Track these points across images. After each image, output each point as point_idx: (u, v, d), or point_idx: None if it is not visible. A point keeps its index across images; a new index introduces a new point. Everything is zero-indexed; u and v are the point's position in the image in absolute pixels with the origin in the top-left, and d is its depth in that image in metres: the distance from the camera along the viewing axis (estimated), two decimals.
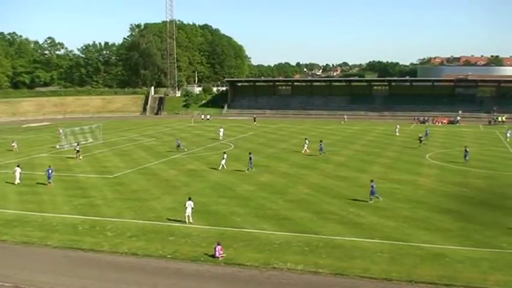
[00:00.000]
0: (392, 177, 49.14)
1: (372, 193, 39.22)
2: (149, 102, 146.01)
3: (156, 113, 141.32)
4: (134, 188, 45.11)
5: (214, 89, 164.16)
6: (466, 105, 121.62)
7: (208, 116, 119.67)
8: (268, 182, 47.09)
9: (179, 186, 45.78)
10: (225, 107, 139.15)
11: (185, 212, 33.82)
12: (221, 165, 52.89)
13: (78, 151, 61.53)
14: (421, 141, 71.12)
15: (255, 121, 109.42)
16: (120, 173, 52.20)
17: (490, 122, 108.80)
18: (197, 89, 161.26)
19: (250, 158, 52.27)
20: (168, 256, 27.98)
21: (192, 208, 34.01)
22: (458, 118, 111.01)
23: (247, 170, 51.67)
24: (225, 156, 54.10)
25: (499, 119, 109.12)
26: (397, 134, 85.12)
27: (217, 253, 27.26)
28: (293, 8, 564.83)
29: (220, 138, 78.78)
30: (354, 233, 31.61)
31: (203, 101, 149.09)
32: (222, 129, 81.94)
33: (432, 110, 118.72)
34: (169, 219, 34.80)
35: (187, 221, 33.59)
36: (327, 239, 30.53)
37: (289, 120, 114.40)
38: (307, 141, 65.67)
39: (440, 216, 35.37)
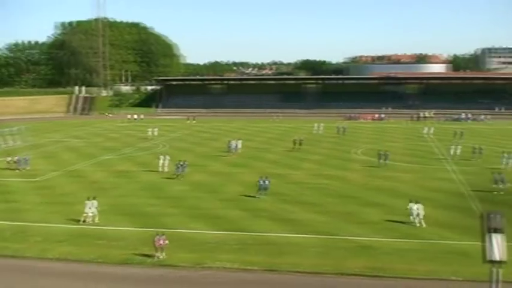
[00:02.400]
0: (324, 173, 50.20)
1: (260, 188, 40.32)
2: (77, 102, 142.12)
3: (85, 113, 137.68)
4: (61, 191, 43.88)
5: (148, 88, 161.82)
6: (393, 102, 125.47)
7: (135, 116, 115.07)
8: (201, 181, 47.08)
9: (109, 188, 44.93)
10: (157, 106, 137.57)
11: (86, 212, 33.38)
12: (161, 167, 51.45)
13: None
14: (297, 143, 65.44)
15: (194, 120, 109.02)
16: (45, 176, 50.67)
17: (414, 117, 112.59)
18: (129, 88, 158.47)
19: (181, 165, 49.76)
20: (99, 260, 27.47)
21: (97, 208, 33.69)
22: (382, 115, 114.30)
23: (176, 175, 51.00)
24: (167, 157, 52.55)
25: (424, 114, 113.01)
26: (319, 131, 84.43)
27: (161, 242, 26.82)
28: (226, 7, 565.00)
29: (149, 137, 77.54)
30: (285, 229, 32.15)
31: (135, 101, 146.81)
32: (155, 129, 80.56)
33: (361, 107, 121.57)
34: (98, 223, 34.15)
35: (87, 220, 33.30)
36: (260, 236, 30.93)
37: (223, 119, 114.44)
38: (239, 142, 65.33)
39: (368, 209, 36.53)
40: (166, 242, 27.13)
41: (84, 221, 33.46)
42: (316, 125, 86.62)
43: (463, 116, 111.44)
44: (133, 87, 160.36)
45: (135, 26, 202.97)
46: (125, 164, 57.15)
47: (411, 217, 32.88)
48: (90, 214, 33.62)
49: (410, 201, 33.52)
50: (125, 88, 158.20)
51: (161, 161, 51.47)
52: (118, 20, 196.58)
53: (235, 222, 33.81)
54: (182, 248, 28.73)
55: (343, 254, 27.68)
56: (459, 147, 54.10)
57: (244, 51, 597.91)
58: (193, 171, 50.98)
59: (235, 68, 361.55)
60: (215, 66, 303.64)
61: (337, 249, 28.44)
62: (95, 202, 33.82)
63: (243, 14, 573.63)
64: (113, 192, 42.95)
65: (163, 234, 27.33)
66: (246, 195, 41.20)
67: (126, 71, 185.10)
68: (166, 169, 50.69)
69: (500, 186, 40.83)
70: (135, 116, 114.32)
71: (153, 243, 27.13)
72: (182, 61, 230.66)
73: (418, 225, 32.41)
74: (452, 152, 53.57)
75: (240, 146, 63.31)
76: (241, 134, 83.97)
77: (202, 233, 31.57)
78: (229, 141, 63.86)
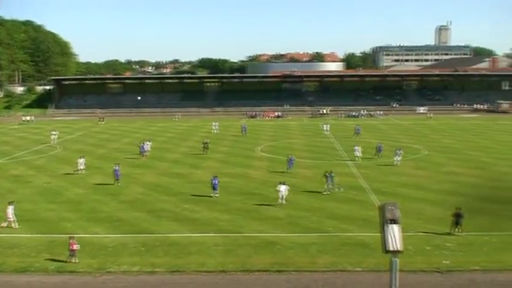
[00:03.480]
0: (226, 171, 50.28)
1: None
2: None
3: None
4: None
5: (40, 88, 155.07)
6: (292, 100, 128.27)
7: (28, 118, 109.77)
8: (101, 183, 45.70)
9: (2, 193, 42.55)
10: (52, 107, 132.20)
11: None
12: (79, 170, 49.91)
13: None
14: (207, 147, 62.21)
15: (103, 120, 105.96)
16: None
17: (314, 114, 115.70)
18: (20, 89, 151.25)
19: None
20: None
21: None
22: (279, 114, 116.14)
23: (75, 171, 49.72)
24: (81, 161, 50.65)
25: (322, 111, 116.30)
26: (215, 131, 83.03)
27: (74, 246, 26.15)
28: (122, 4, 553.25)
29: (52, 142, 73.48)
30: (189, 229, 31.91)
31: (27, 102, 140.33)
32: (55, 132, 76.24)
33: (261, 105, 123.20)
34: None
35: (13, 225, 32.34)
36: (163, 237, 30.47)
37: (121, 119, 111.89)
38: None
39: (270, 206, 36.91)
40: (77, 246, 26.35)
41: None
42: (214, 124, 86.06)
43: (363, 112, 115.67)
44: (26, 88, 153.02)
45: (27, 24, 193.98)
46: (19, 168, 54.39)
47: (279, 199, 36.60)
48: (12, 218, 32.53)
49: (279, 183, 37.39)
50: (18, 89, 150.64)
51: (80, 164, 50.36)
52: (9, 18, 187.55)
53: (137, 225, 33.11)
54: (83, 253, 27.51)
55: (247, 251, 27.83)
56: (358, 148, 54.99)
57: (143, 49, 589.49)
58: (92, 174, 49.55)
59: (133, 66, 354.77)
60: (113, 65, 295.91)
61: (242, 247, 28.56)
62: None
63: (142, 11, 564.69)
64: (7, 198, 40.61)
65: (73, 238, 26.48)
66: (146, 196, 40.48)
67: (18, 70, 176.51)
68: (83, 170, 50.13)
69: (330, 186, 41.08)
70: (28, 118, 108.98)
71: (68, 247, 26.30)
72: (77, 60, 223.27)
73: (282, 202, 36.52)
74: (357, 153, 54.18)
75: (148, 148, 61.62)
76: (143, 134, 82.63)
77: (103, 237, 30.62)
78: (140, 143, 62.14)
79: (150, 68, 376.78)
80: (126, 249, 28.53)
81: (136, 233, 31.24)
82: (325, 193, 40.22)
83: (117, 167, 45.46)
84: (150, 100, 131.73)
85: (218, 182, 40.29)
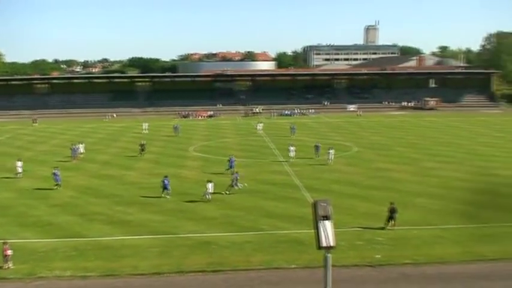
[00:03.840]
0: (159, 171, 49.69)
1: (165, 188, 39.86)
2: None
3: None
4: None
5: None
6: (225, 99, 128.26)
7: None
8: (29, 187, 44.24)
9: None
10: None
11: None
12: (18, 173, 48.06)
13: None
14: (143, 149, 60.13)
15: (36, 122, 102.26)
16: None
17: (246, 113, 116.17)
18: None
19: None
20: None
21: None
22: (212, 113, 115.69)
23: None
24: (19, 164, 48.74)
25: (255, 110, 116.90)
26: (145, 132, 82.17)
27: (8, 251, 25.39)
28: (48, 2, 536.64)
29: None
30: (122, 232, 31.42)
31: None
32: None
33: (193, 105, 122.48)
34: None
35: None
36: (95, 240, 29.87)
37: (49, 120, 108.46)
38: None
39: (205, 205, 36.89)
40: (9, 252, 25.63)
41: None
42: (144, 124, 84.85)
43: (297, 111, 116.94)
44: None
45: None
46: None
47: (206, 196, 37.91)
48: None
49: (208, 181, 38.32)
50: None
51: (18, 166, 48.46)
52: None
53: (69, 229, 32.28)
54: (14, 258, 26.51)
55: (182, 252, 27.68)
56: (293, 148, 55.12)
57: (71, 49, 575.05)
58: (20, 178, 47.96)
59: (63, 66, 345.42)
60: (39, 65, 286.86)
61: (177, 248, 28.37)
62: None
63: (69, 10, 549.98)
64: None
65: (6, 243, 25.66)
66: (77, 200, 39.52)
67: None
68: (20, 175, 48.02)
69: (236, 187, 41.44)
70: None
71: (2, 253, 25.41)
72: (2, 60, 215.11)
73: (208, 197, 37.85)
74: (291, 154, 53.86)
75: (82, 150, 60.21)
76: (72, 135, 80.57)
77: (34, 242, 29.69)
78: (72, 145, 59.98)
79: (78, 67, 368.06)
80: (57, 254, 27.80)
81: (68, 237, 30.47)
82: (227, 193, 40.38)
83: (56, 171, 43.78)
84: (78, 100, 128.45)
85: (169, 181, 40.02)
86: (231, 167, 48.23)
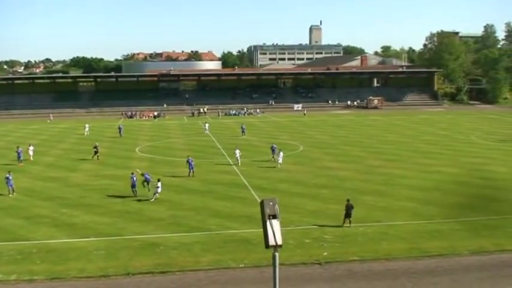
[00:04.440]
0: (105, 173, 49.12)
1: (133, 186, 39.69)
2: None
3: None
4: None
5: None
6: (171, 99, 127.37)
7: None
8: None
9: None
10: None
11: None
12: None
13: None
14: (96, 152, 57.23)
15: None
16: None
17: (193, 113, 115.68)
18: None
19: None
20: None
21: None
22: (157, 113, 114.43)
23: None
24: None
25: (202, 110, 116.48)
26: (86, 133, 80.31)
27: None
28: None
29: None
30: (68, 234, 30.91)
31: None
32: None
33: (138, 105, 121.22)
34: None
35: None
36: (40, 243, 29.25)
37: None
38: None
39: (152, 206, 36.65)
40: None
41: None
42: (86, 125, 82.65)
43: (246, 110, 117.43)
44: None
45: None
46: None
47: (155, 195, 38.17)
48: None
49: (158, 180, 38.70)
50: None
51: None
52: None
53: (13, 232, 31.48)
54: None
55: (129, 254, 27.42)
56: (239, 150, 53.13)
57: (13, 49, 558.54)
58: None
59: (4, 67, 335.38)
60: None
61: (123, 250, 28.09)
62: None
63: (10, 9, 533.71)
64: None
65: None
66: (21, 202, 38.55)
67: None
68: None
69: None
70: None
71: None
72: None
73: (154, 199, 37.97)
74: (237, 156, 52.37)
75: (31, 152, 57.36)
76: (15, 137, 78.52)
77: None
78: (17, 147, 56.56)
79: (20, 68, 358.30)
80: (1, 258, 27.10)
81: (11, 241, 29.72)
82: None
83: (8, 175, 41.38)
84: (20, 101, 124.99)
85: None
86: (191, 168, 47.02)
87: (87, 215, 34.99)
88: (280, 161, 50.93)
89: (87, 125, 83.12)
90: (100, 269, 25.40)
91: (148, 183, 39.99)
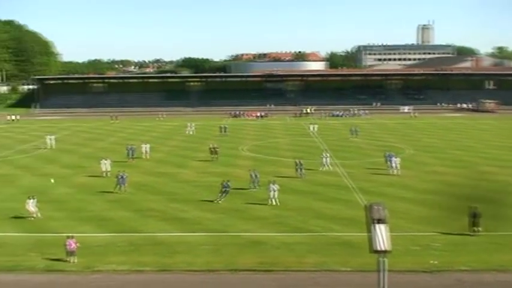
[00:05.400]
0: (212, 170, 50.33)
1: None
2: None
3: None
4: None
5: (25, 87, 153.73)
6: (275, 99, 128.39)
7: (13, 117, 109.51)
8: (87, 183, 45.52)
9: None
10: (35, 106, 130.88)
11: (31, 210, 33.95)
12: (103, 172, 48.08)
13: None
14: (213, 152, 57.06)
15: (116, 119, 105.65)
16: None
17: (298, 114, 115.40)
18: (4, 88, 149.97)
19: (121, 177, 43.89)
20: None
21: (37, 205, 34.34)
22: (262, 114, 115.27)
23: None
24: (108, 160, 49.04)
25: (306, 111, 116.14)
26: (192, 132, 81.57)
27: (73, 245, 26.12)
28: (105, 3, 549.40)
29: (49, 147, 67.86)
30: (175, 228, 31.96)
31: (11, 101, 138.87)
32: (50, 137, 69.46)
33: (244, 105, 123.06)
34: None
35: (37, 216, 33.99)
36: (150, 236, 30.49)
37: (104, 119, 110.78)
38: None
39: (257, 205, 37.03)
40: (78, 244, 26.32)
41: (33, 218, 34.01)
42: (189, 124, 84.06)
43: (351, 111, 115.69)
44: (9, 87, 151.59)
45: (9, 23, 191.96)
46: (4, 167, 53.98)
47: (270, 198, 37.15)
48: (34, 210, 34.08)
49: (270, 183, 37.67)
50: (1, 88, 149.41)
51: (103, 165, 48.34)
52: None
53: (124, 224, 33.07)
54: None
55: (234, 251, 27.92)
56: (327, 154, 51.95)
57: (126, 49, 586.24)
58: (77, 173, 49.49)
59: (116, 66, 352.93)
60: (95, 65, 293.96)
61: (228, 246, 28.63)
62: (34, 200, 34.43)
63: (125, 11, 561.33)
64: None
65: (73, 237, 26.40)
66: (133, 196, 40.38)
67: (1, 70, 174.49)
68: (109, 174, 47.55)
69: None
70: (13, 117, 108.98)
71: (65, 247, 26.18)
72: (60, 59, 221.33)
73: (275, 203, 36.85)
74: (324, 161, 50.44)
75: (148, 150, 58.81)
76: (127, 133, 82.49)
77: (90, 236, 30.46)
78: (130, 145, 58.55)
79: (133, 67, 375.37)
80: (114, 248, 28.50)
81: (123, 232, 31.19)
82: (252, 189, 41.49)
83: (123, 174, 42.18)
84: (132, 99, 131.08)
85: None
86: (390, 163, 47.62)
87: (195, 210, 36.02)
88: (397, 166, 47.88)
89: (189, 124, 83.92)
90: (206, 264, 26.07)
91: (227, 193, 38.53)
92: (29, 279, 24.85)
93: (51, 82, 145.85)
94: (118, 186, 41.62)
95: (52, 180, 33.19)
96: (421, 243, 28.84)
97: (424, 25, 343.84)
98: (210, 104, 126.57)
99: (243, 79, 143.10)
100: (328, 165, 50.41)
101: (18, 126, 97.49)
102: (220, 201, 37.91)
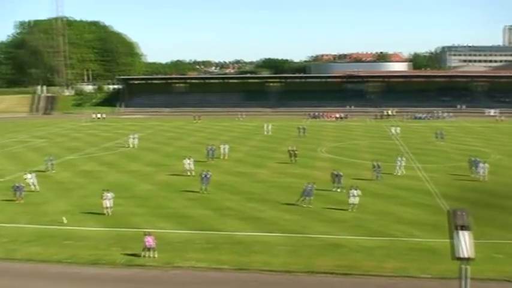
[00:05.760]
0: (290, 171, 50.36)
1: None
2: (39, 102, 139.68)
3: (47, 113, 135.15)
4: (26, 191, 42.61)
5: (110, 87, 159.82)
6: (355, 100, 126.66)
7: (99, 115, 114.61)
8: (168, 180, 46.73)
9: (73, 188, 44.21)
10: (120, 105, 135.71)
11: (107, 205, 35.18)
12: (187, 170, 48.79)
13: None
14: (292, 155, 56.29)
15: (199, 119, 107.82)
16: (10, 176, 49.42)
17: (378, 116, 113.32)
18: (90, 88, 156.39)
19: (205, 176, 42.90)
20: (68, 260, 27.07)
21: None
22: (341, 115, 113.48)
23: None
24: (192, 159, 49.93)
25: (387, 112, 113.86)
26: (269, 133, 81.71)
27: (151, 242, 26.94)
28: (186, 5, 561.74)
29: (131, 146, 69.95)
30: (253, 228, 32.22)
31: (97, 100, 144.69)
32: (134, 136, 71.44)
33: (323, 106, 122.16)
34: (63, 223, 33.53)
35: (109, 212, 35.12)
36: (228, 235, 30.88)
37: (186, 118, 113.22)
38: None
39: (336, 207, 36.65)
40: (152, 242, 27.13)
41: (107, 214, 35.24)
42: (265, 125, 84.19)
43: (435, 114, 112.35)
44: (95, 87, 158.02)
45: (95, 24, 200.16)
46: (89, 163, 56.32)
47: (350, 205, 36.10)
48: (109, 205, 35.39)
49: (351, 188, 36.51)
50: (87, 87, 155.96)
51: (186, 164, 49.30)
52: (77, 18, 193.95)
53: (203, 222, 33.66)
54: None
55: (312, 252, 27.81)
56: (402, 159, 50.18)
57: (207, 50, 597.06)
58: (159, 171, 50.84)
59: (197, 66, 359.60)
60: (177, 65, 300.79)
61: (306, 248, 28.56)
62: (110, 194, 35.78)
63: (205, 12, 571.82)
64: (77, 193, 42.34)
65: (150, 234, 27.24)
66: (213, 195, 40.95)
67: (88, 70, 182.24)
68: (193, 173, 48.58)
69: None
70: (99, 115, 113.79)
71: (143, 243, 27.03)
72: (143, 60, 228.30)
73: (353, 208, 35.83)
74: (399, 165, 49.11)
75: (227, 150, 59.23)
76: (207, 133, 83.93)
77: (170, 233, 31.31)
78: (210, 145, 59.11)
79: (213, 68, 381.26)
80: (192, 245, 29.09)
81: (202, 230, 31.77)
82: (334, 190, 41.21)
83: (207, 173, 42.48)
84: (212, 99, 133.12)
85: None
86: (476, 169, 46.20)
87: (272, 210, 36.19)
88: (484, 172, 45.85)
89: (266, 125, 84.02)
90: (283, 264, 26.11)
91: (310, 196, 37.61)
92: (109, 272, 25.76)
93: (136, 82, 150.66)
94: (202, 185, 42.20)
95: (65, 220, 33.00)
96: (505, 251, 27.70)
97: (511, 26, 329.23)
98: (289, 105, 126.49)
99: (323, 80, 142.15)
100: (402, 170, 49.16)
101: (103, 124, 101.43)
102: (311, 206, 36.89)
